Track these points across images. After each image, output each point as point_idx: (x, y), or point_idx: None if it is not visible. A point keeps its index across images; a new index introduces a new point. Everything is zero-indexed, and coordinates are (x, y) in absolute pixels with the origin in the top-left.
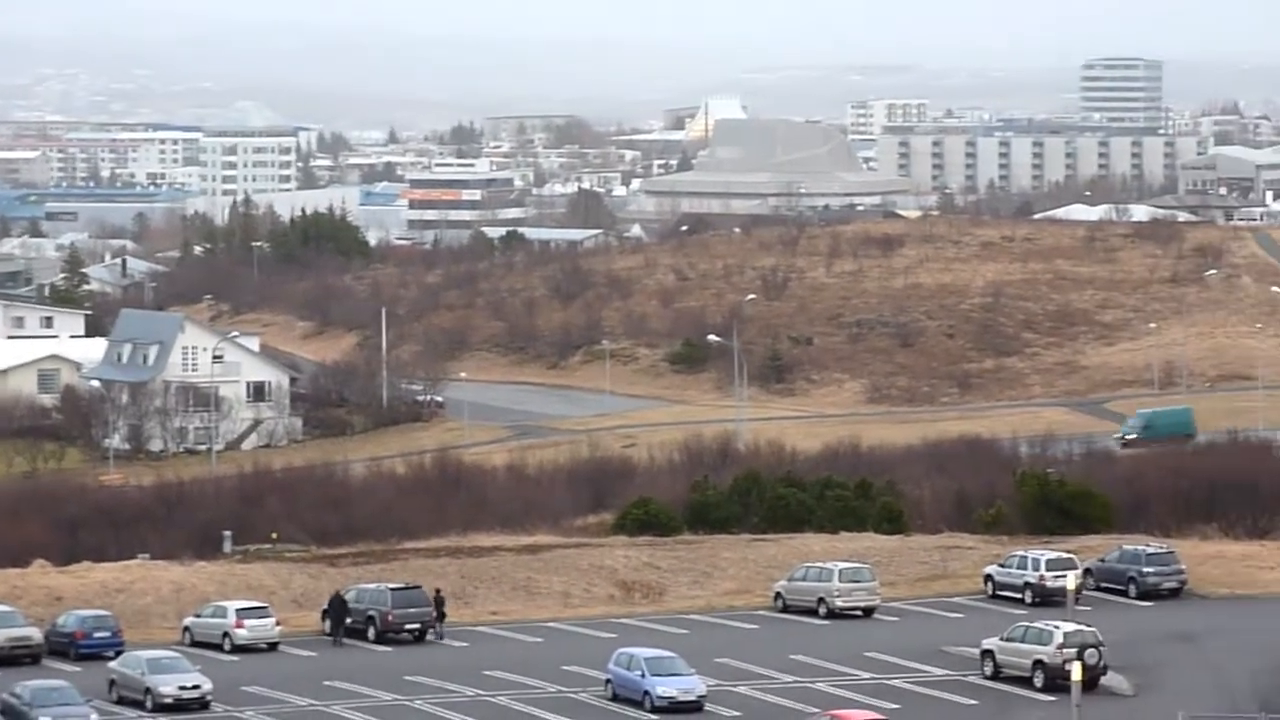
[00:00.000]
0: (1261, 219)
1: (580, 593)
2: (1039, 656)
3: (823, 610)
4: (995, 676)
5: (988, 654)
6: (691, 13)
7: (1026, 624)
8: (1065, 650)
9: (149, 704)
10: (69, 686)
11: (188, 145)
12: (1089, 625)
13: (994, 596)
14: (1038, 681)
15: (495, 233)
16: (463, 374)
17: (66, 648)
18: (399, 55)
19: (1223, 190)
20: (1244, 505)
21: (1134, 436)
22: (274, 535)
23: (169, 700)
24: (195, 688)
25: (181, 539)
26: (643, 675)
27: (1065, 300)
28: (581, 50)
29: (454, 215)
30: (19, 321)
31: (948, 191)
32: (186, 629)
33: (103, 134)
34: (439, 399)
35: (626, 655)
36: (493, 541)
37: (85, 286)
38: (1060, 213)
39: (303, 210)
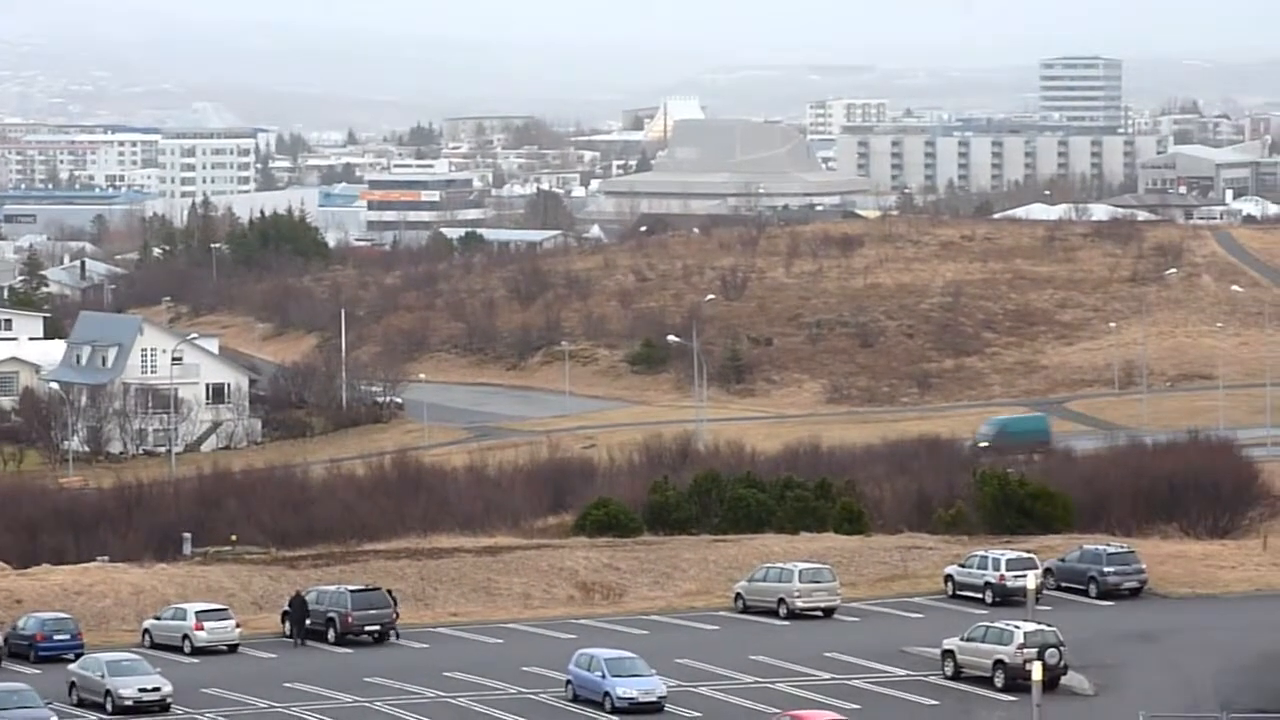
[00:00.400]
0: (1221, 218)
1: (540, 594)
2: (999, 656)
3: (783, 611)
4: (956, 676)
5: (948, 654)
6: (649, 13)
7: (987, 624)
8: (1026, 650)
9: (109, 706)
10: (29, 689)
11: (146, 147)
12: (1049, 625)
13: (954, 596)
14: (998, 681)
15: (454, 234)
16: (422, 375)
17: (26, 650)
18: (358, 56)
19: (1182, 189)
20: (1204, 505)
21: (985, 445)
22: (233, 537)
23: (129, 703)
24: (155, 690)
25: (141, 541)
26: (603, 676)
27: (1025, 300)
28: (540, 51)
29: (413, 216)
30: None
31: (907, 191)
32: (146, 631)
33: (61, 136)
34: (398, 400)
35: (587, 656)
36: (452, 543)
37: (44, 289)
38: (1020, 212)
39: (261, 212)
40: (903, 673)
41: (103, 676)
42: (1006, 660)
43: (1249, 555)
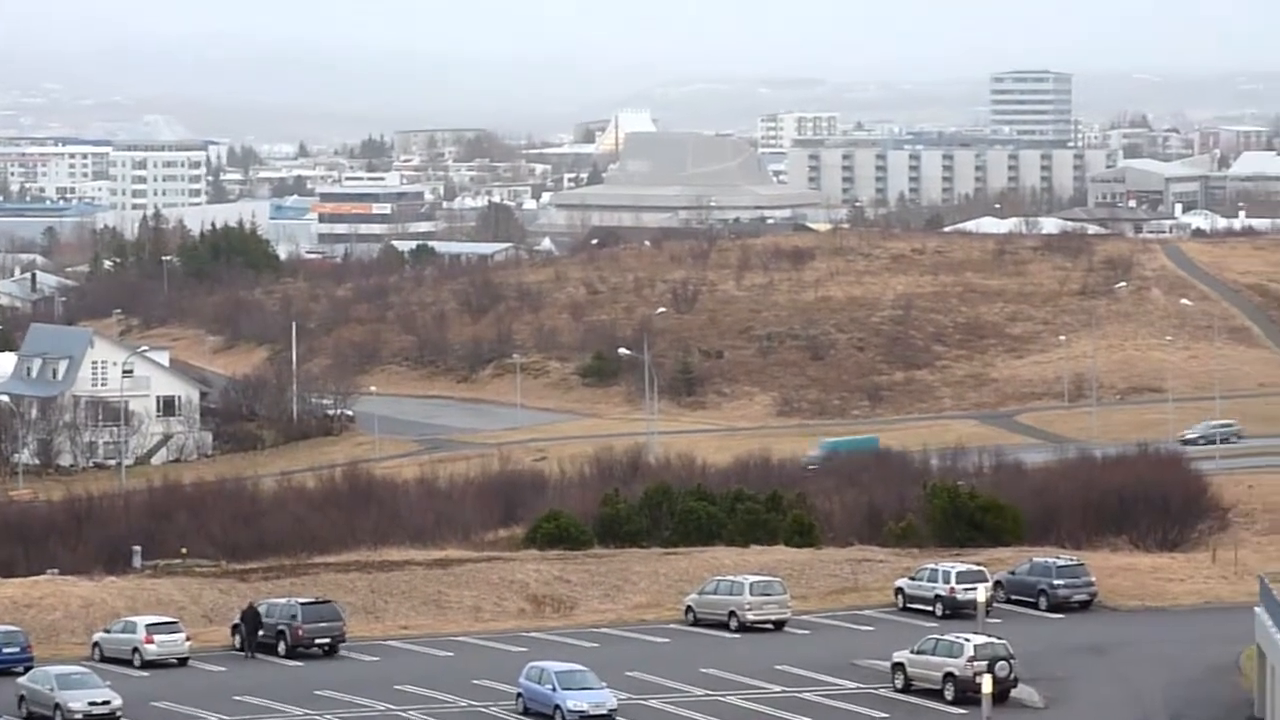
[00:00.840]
0: (1170, 231)
1: (491, 606)
2: (950, 669)
3: (734, 623)
4: (906, 689)
5: (898, 667)
6: (601, 26)
7: (937, 637)
8: (976, 663)
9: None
10: None
11: (97, 159)
12: (1000, 638)
13: (905, 609)
14: (948, 694)
15: (405, 246)
16: (373, 388)
17: None
18: (309, 69)
19: (1132, 203)
20: (1154, 517)
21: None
22: (184, 550)
23: (79, 716)
24: (105, 703)
25: (91, 554)
26: (553, 689)
27: (975, 313)
28: (491, 64)
29: (364, 229)
30: None
31: (858, 204)
32: (96, 644)
33: (12, 148)
34: (349, 413)
35: (537, 669)
36: (403, 556)
37: None
38: (970, 225)
39: (213, 224)
40: (853, 685)
41: (52, 690)
42: (957, 673)
43: (1198, 568)
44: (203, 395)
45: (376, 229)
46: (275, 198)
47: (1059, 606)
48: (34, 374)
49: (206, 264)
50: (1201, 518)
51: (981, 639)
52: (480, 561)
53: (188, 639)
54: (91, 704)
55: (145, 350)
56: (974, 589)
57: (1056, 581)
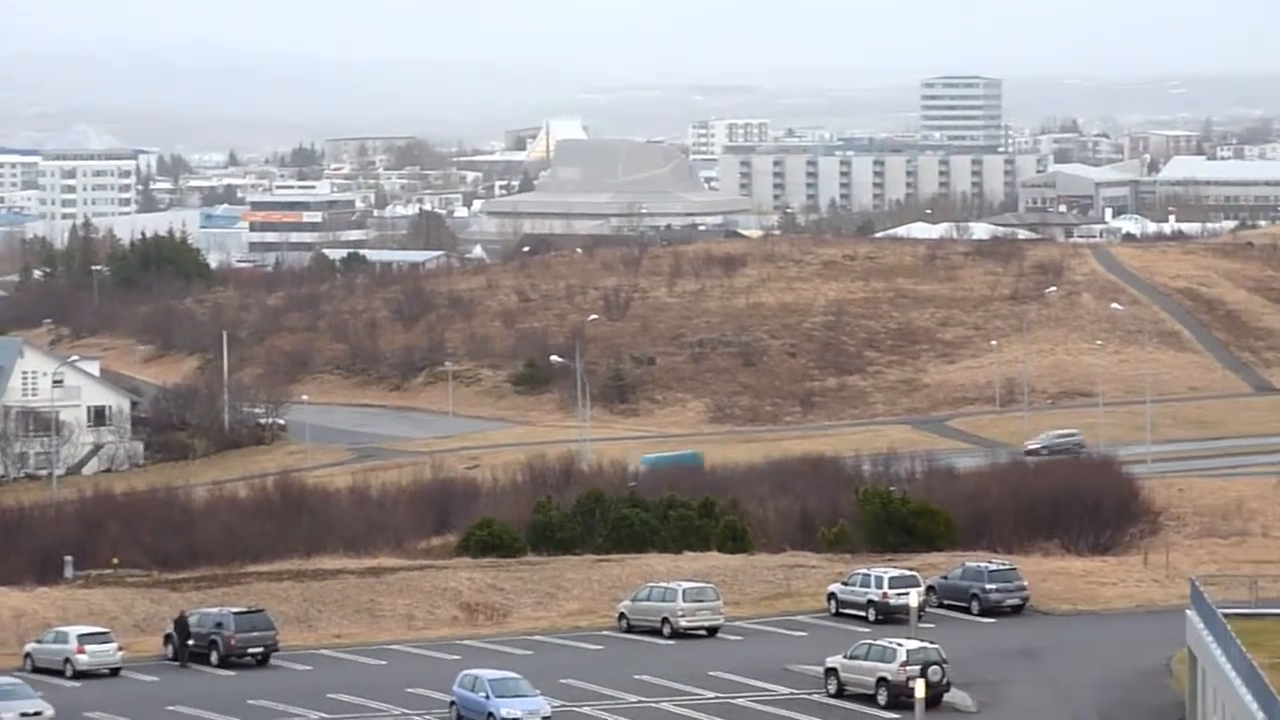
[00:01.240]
0: (1101, 236)
1: (424, 615)
2: (882, 674)
3: (667, 630)
4: (839, 694)
5: (831, 672)
6: (532, 33)
7: (870, 642)
8: (908, 668)
9: None
10: None
11: (26, 169)
12: (932, 642)
13: (837, 614)
14: (881, 699)
15: (337, 254)
16: (305, 396)
17: None
18: (239, 78)
19: (1062, 208)
20: (1085, 521)
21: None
22: (115, 560)
23: None
24: (37, 714)
25: (22, 564)
26: (487, 697)
27: (907, 318)
28: (422, 71)
29: (295, 237)
30: None
31: (789, 211)
32: (28, 655)
33: None
34: (281, 422)
35: (471, 677)
36: (336, 564)
37: None
38: (901, 231)
39: (143, 233)
40: (786, 691)
41: None
42: (889, 678)
43: (1130, 572)
44: (134, 405)
45: (307, 237)
46: (206, 207)
47: (991, 611)
48: None
49: (137, 273)
50: (1133, 521)
51: (914, 644)
52: (413, 570)
53: (120, 649)
54: (24, 715)
55: (76, 360)
56: (906, 594)
57: (989, 586)
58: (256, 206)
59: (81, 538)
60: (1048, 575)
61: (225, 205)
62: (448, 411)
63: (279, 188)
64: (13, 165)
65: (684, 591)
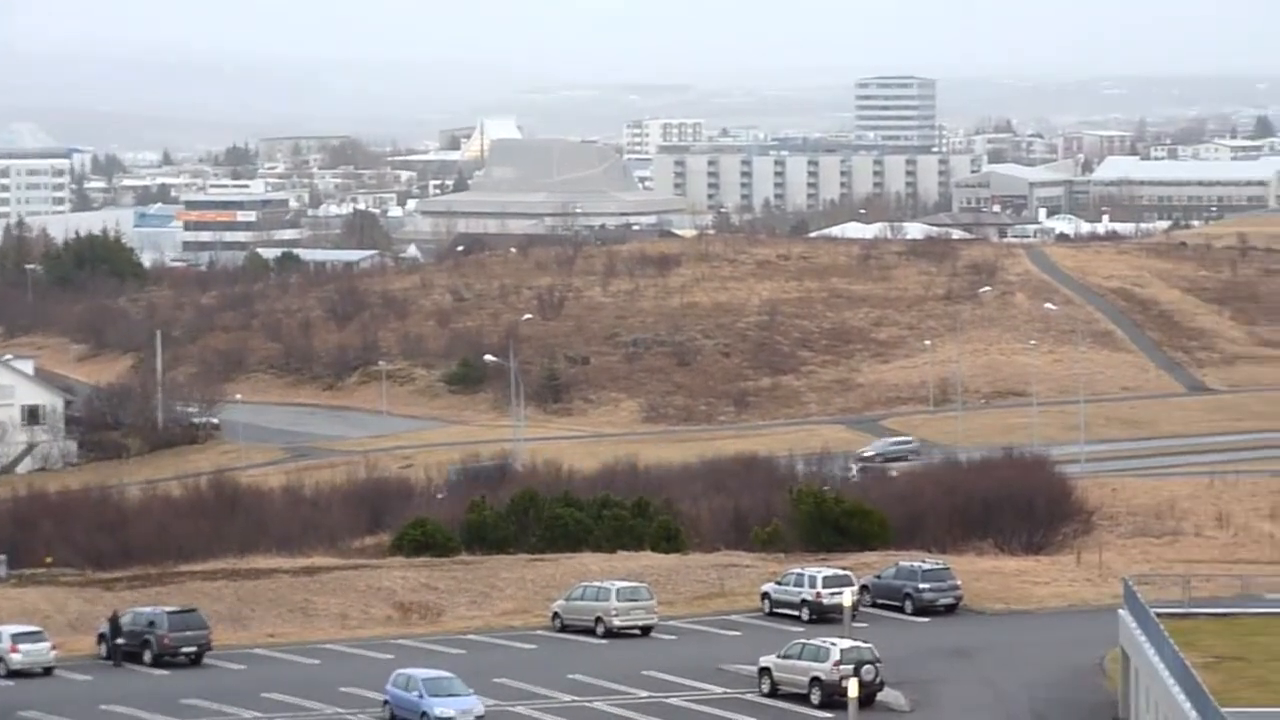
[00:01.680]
0: (1034, 236)
1: (358, 614)
2: (816, 673)
3: (601, 629)
4: (773, 694)
5: (765, 671)
6: (466, 33)
7: (803, 641)
8: (842, 667)
9: None
10: None
11: None
12: (865, 642)
13: (771, 614)
14: (815, 698)
15: (271, 254)
16: (238, 395)
17: None
18: (173, 76)
19: (996, 208)
20: (1018, 521)
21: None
22: (48, 559)
23: None
24: None
25: None
26: (420, 696)
27: (841, 318)
28: (355, 71)
29: (229, 236)
30: None
31: (723, 210)
32: None
33: None
34: (215, 421)
35: (404, 676)
36: (270, 563)
37: None
38: (835, 231)
39: (77, 232)
40: (720, 690)
41: None
42: (823, 677)
43: (1062, 571)
44: (67, 404)
45: (241, 237)
46: (139, 206)
47: (925, 610)
48: None
49: (71, 272)
50: (1066, 521)
51: (847, 643)
52: (347, 569)
53: (53, 648)
54: None
55: (9, 359)
56: (840, 593)
57: (922, 585)
58: (190, 206)
59: (15, 537)
60: (981, 575)
61: (159, 204)
62: (382, 411)
63: (213, 187)
64: None
65: (618, 591)
